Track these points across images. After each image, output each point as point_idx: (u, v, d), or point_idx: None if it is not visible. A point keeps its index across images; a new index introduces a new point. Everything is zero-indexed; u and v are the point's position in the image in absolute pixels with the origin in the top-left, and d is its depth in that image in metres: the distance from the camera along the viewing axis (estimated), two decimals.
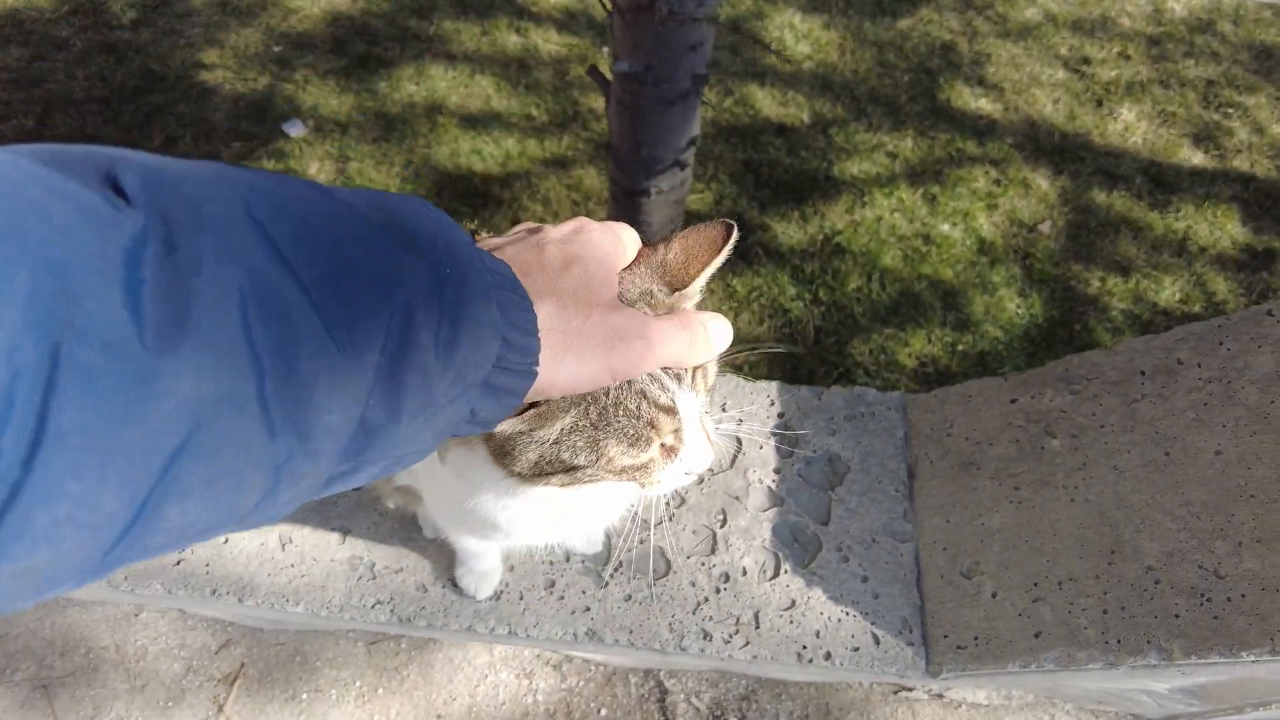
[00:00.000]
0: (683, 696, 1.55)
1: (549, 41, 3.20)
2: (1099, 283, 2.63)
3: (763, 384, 1.37)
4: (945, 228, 2.72)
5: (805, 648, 1.14)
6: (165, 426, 0.28)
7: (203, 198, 0.31)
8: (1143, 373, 1.09)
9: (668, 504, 1.24)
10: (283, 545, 1.20)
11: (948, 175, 2.87)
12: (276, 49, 3.08)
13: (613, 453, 0.54)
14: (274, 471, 0.33)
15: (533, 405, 0.51)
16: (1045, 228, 2.76)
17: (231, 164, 0.35)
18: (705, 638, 1.14)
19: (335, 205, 0.36)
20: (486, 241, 0.53)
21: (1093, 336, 2.50)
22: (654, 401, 0.53)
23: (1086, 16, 3.53)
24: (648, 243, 0.59)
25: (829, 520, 1.24)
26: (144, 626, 1.58)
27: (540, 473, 0.56)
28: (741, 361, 2.31)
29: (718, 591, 1.18)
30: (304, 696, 1.52)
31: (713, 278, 0.59)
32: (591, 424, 0.53)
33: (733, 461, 1.29)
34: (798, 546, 1.22)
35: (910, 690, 1.52)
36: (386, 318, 0.35)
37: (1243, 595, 0.91)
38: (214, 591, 1.16)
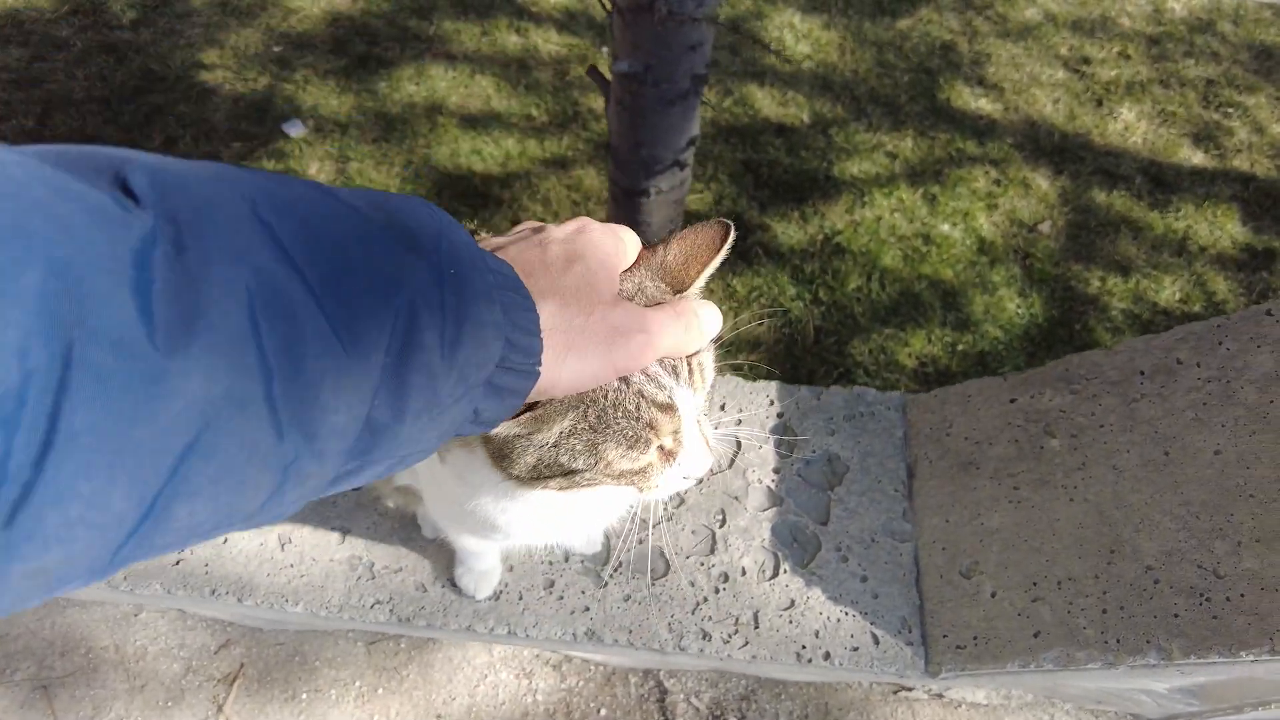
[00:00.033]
0: (682, 696, 1.55)
1: (549, 42, 3.20)
2: (1099, 282, 2.63)
3: (762, 384, 1.37)
4: (945, 228, 2.72)
5: (804, 647, 1.14)
6: (174, 426, 0.28)
7: (210, 198, 0.31)
8: (1142, 372, 1.09)
9: (666, 504, 1.24)
10: (282, 545, 1.20)
11: (948, 175, 2.87)
12: (276, 49, 3.09)
13: (611, 456, 0.54)
14: (281, 471, 0.33)
15: (532, 406, 0.51)
16: (1045, 227, 2.76)
17: (232, 164, 0.35)
18: (704, 638, 1.14)
19: (337, 205, 0.37)
20: (489, 241, 0.53)
21: (1093, 336, 2.50)
22: (652, 400, 0.53)
23: (1086, 16, 3.53)
24: (647, 244, 0.59)
25: (828, 520, 1.24)
26: (143, 626, 1.58)
27: (538, 476, 0.56)
28: (741, 362, 2.31)
29: (717, 591, 1.18)
30: (303, 696, 1.52)
31: (713, 277, 0.59)
32: (590, 426, 0.53)
33: (732, 461, 1.29)
34: (797, 546, 1.22)
35: (910, 690, 1.52)
36: (391, 318, 0.36)
37: (1242, 595, 0.91)
38: (213, 591, 1.16)
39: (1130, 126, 3.11)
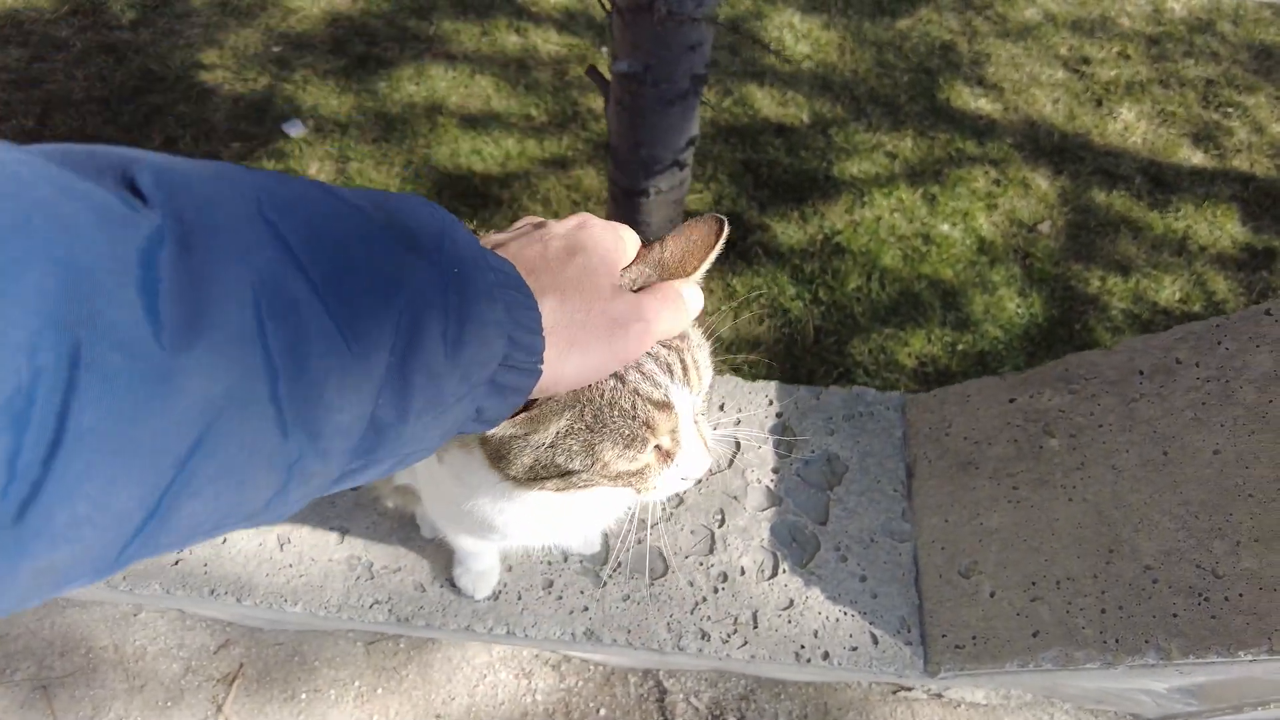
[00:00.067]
0: (682, 696, 1.55)
1: (548, 42, 3.20)
2: (1099, 282, 2.63)
3: (761, 384, 1.37)
4: (945, 227, 2.72)
5: (803, 647, 1.14)
6: (181, 425, 0.28)
7: (215, 197, 0.31)
8: (1141, 372, 1.09)
9: (665, 504, 1.24)
10: (281, 545, 1.20)
11: (947, 175, 2.87)
12: (276, 49, 3.09)
13: (608, 456, 0.54)
14: (285, 470, 0.33)
15: (531, 404, 0.52)
16: (1045, 227, 2.76)
17: (235, 164, 0.36)
18: (703, 637, 1.14)
19: (341, 205, 0.37)
20: (490, 238, 0.53)
21: (1093, 336, 2.50)
22: (648, 398, 0.54)
23: (1086, 16, 3.53)
24: (646, 244, 0.59)
25: (827, 520, 1.24)
26: (143, 626, 1.58)
27: (535, 477, 0.56)
28: (741, 361, 2.31)
29: (716, 591, 1.18)
30: (303, 696, 1.52)
31: (712, 277, 0.60)
32: (586, 426, 0.53)
33: (731, 461, 1.29)
34: (796, 546, 1.22)
35: (909, 690, 1.52)
36: (395, 317, 0.36)
37: (1240, 595, 0.91)
38: (212, 591, 1.16)
39: (1130, 126, 3.11)
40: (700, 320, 0.60)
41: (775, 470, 1.28)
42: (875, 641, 1.15)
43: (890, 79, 3.19)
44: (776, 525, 1.23)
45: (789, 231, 2.67)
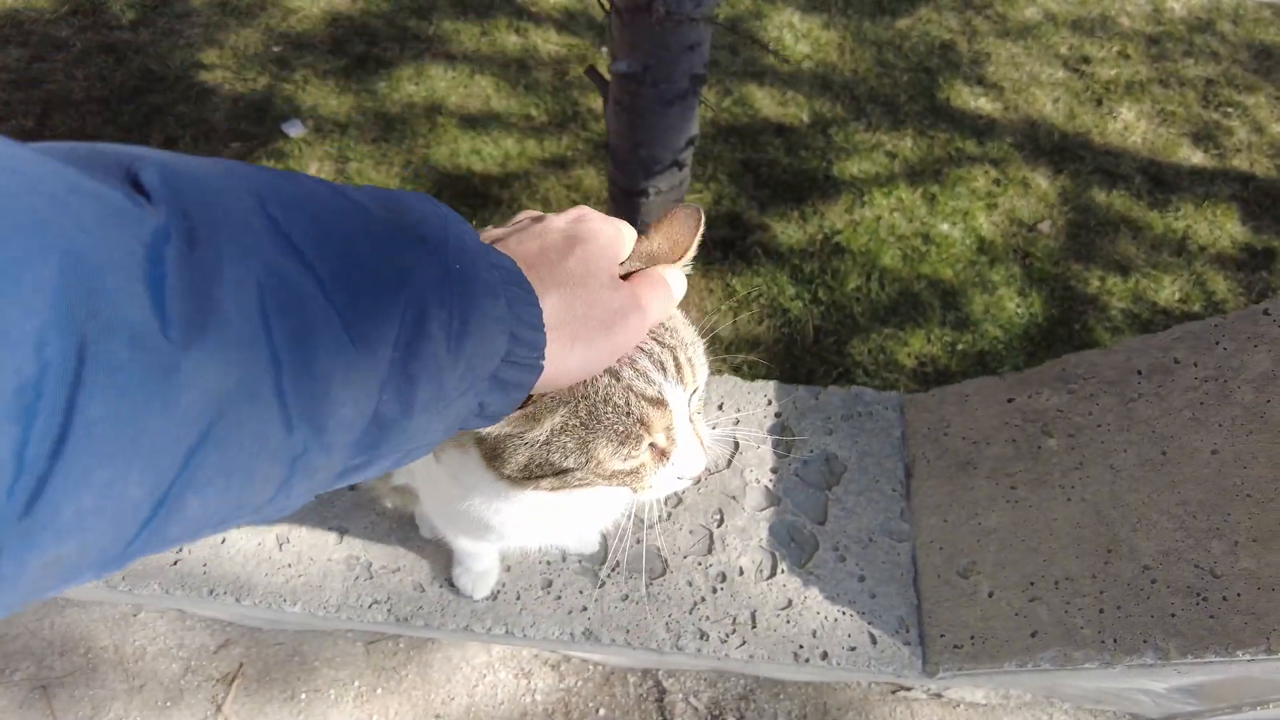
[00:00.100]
0: (681, 696, 1.55)
1: (548, 42, 3.20)
2: (1098, 282, 2.63)
3: (759, 384, 1.37)
4: (945, 227, 2.72)
5: (802, 647, 1.14)
6: (187, 419, 0.28)
7: (220, 194, 0.32)
8: (1139, 372, 1.09)
9: (664, 504, 1.24)
10: (280, 545, 1.20)
11: (947, 175, 2.87)
12: (276, 49, 3.09)
13: (602, 454, 0.54)
14: (290, 464, 0.33)
15: (528, 401, 0.52)
16: (1045, 227, 2.76)
17: (239, 161, 0.36)
18: (702, 637, 1.14)
19: (344, 202, 0.37)
20: (490, 232, 0.54)
21: (1092, 336, 2.50)
22: (641, 394, 0.54)
23: (1086, 16, 3.53)
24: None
25: (826, 520, 1.24)
26: (142, 626, 1.58)
27: (530, 476, 0.56)
28: (741, 361, 2.31)
29: (714, 591, 1.18)
30: (302, 696, 1.52)
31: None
32: (581, 423, 0.53)
33: (729, 461, 1.29)
34: (794, 546, 1.22)
35: (908, 690, 1.52)
36: (399, 312, 0.36)
37: (1238, 594, 0.91)
38: (211, 591, 1.17)
39: (1130, 126, 3.11)
40: (700, 320, 0.61)
41: (774, 470, 1.28)
42: (874, 641, 1.15)
43: (890, 78, 3.19)
44: (775, 525, 1.24)
45: (789, 231, 2.67)
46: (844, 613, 1.17)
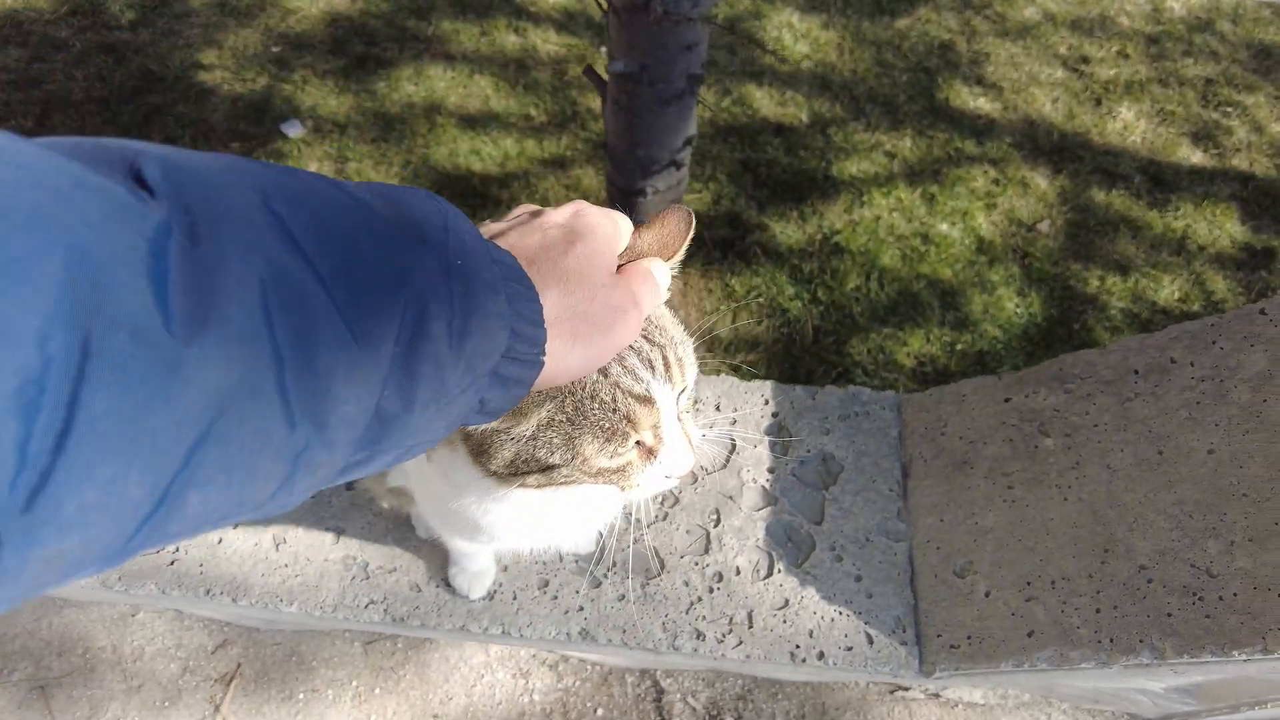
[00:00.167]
0: (679, 696, 1.55)
1: (547, 42, 3.20)
2: (1098, 282, 2.63)
3: (756, 383, 1.37)
4: (944, 227, 2.72)
5: (798, 647, 1.14)
6: (189, 415, 0.28)
7: (222, 189, 0.32)
8: (1136, 371, 1.09)
9: (660, 503, 1.24)
10: (276, 545, 1.20)
11: (946, 175, 2.87)
12: (275, 49, 3.09)
13: (588, 451, 0.54)
14: (291, 461, 0.33)
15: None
16: (1044, 227, 2.76)
17: (242, 157, 0.36)
18: (698, 637, 1.14)
19: (346, 198, 0.37)
20: (488, 227, 0.54)
21: (1091, 336, 2.49)
22: (629, 391, 0.54)
23: (1085, 15, 3.53)
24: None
25: (823, 520, 1.24)
26: (141, 627, 1.58)
27: (516, 472, 0.56)
28: (740, 361, 2.31)
29: (711, 591, 1.18)
30: (300, 696, 1.52)
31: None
32: (567, 419, 0.53)
33: (726, 461, 1.29)
34: (791, 546, 1.22)
35: (906, 689, 1.52)
36: (401, 309, 0.36)
37: (1235, 594, 0.90)
38: (208, 591, 1.17)
39: (1129, 125, 3.11)
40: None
41: (771, 470, 1.28)
42: (870, 641, 1.15)
43: (889, 78, 3.19)
44: (772, 525, 1.23)
45: (788, 231, 2.67)
46: (841, 613, 1.17)
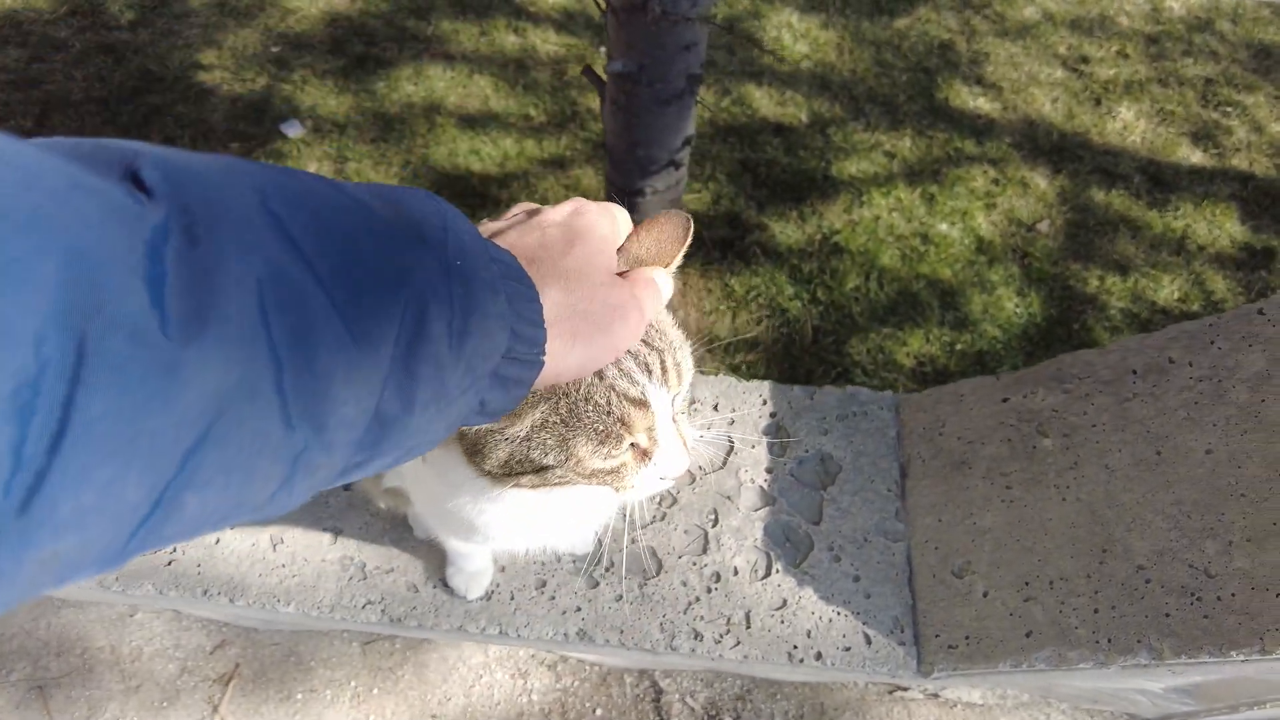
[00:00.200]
0: (678, 696, 1.55)
1: (547, 42, 3.20)
2: (1097, 282, 2.62)
3: (755, 383, 1.37)
4: (943, 227, 2.72)
5: (796, 647, 1.14)
6: (187, 417, 0.28)
7: (221, 190, 0.31)
8: (1134, 371, 1.09)
9: (658, 503, 1.24)
10: (274, 545, 1.20)
11: (946, 174, 2.87)
12: (274, 49, 3.09)
13: (582, 452, 0.54)
14: (291, 463, 0.33)
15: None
16: (1044, 227, 2.76)
17: (240, 157, 0.36)
18: (696, 637, 1.14)
19: (345, 198, 0.37)
20: (487, 226, 0.54)
21: (1091, 336, 2.49)
22: (624, 394, 0.54)
23: (1085, 15, 3.53)
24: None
25: (821, 520, 1.24)
26: (139, 627, 1.58)
27: (510, 472, 0.56)
28: (739, 361, 2.31)
29: (709, 591, 1.18)
30: (299, 697, 1.52)
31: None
32: (561, 420, 0.53)
33: (724, 461, 1.29)
34: (789, 546, 1.22)
35: (905, 690, 1.52)
36: (400, 309, 0.36)
37: (1233, 594, 0.90)
38: (205, 592, 1.17)
39: (1129, 125, 3.11)
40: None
41: (769, 470, 1.28)
42: (868, 642, 1.15)
43: (889, 78, 3.18)
44: (770, 525, 1.23)
45: (787, 231, 2.67)
46: (839, 613, 1.17)
